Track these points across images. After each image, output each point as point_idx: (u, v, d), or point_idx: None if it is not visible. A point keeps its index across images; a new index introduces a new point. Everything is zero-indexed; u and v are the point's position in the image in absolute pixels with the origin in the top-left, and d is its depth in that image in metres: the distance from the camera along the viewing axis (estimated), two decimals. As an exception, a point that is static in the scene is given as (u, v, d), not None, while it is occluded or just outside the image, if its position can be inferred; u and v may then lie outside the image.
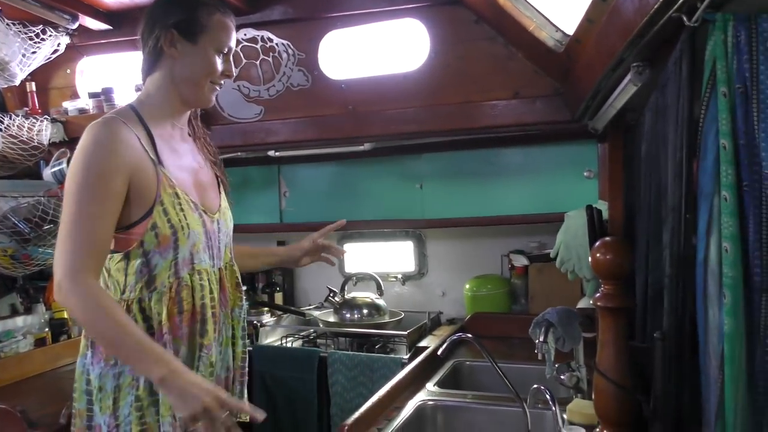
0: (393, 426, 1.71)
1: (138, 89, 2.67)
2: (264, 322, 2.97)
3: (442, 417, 1.89)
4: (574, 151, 2.58)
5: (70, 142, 2.77)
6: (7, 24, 2.47)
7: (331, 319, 2.90)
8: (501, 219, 2.73)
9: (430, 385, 2.02)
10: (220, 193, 1.75)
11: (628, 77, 1.38)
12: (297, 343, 2.88)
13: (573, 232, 2.30)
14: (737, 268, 0.90)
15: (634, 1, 1.13)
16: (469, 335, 1.77)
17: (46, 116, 2.75)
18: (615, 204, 2.05)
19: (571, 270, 2.32)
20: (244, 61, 2.59)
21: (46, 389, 2.36)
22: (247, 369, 1.76)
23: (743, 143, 0.91)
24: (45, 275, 2.91)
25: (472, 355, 2.37)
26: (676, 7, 0.98)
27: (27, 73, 2.65)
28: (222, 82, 1.67)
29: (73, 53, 2.80)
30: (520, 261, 2.87)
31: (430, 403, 1.90)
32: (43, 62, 2.67)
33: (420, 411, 1.86)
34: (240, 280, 1.76)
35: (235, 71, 1.71)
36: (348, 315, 2.87)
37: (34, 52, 2.57)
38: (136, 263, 1.52)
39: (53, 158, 2.78)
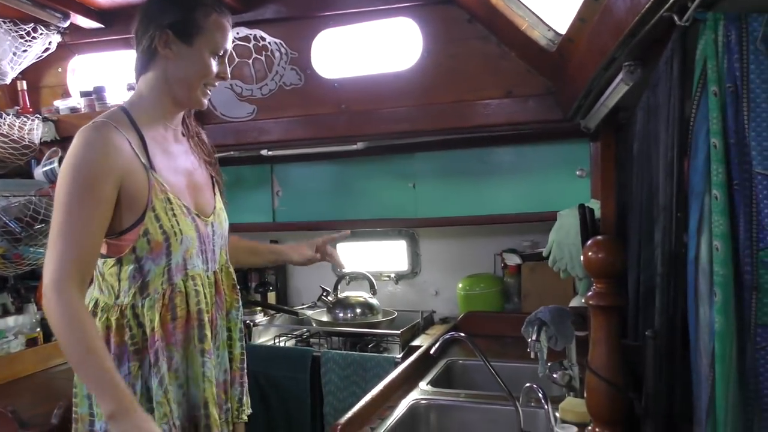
0: (386, 425, 1.71)
1: (130, 88, 2.66)
2: (257, 321, 2.96)
3: (435, 416, 1.89)
4: (566, 150, 2.59)
5: (62, 141, 2.76)
6: (-2, 22, 2.46)
7: (324, 318, 2.90)
8: (494, 218, 2.73)
9: (423, 384, 2.02)
10: (215, 194, 1.73)
11: (620, 76, 1.38)
12: (290, 343, 2.88)
13: (565, 230, 2.30)
14: (728, 267, 0.90)
15: (626, 0, 1.13)
16: (462, 334, 1.78)
17: (38, 115, 2.73)
18: (607, 203, 2.06)
19: (563, 269, 2.33)
20: (237, 59, 2.58)
21: (37, 389, 2.35)
22: (245, 371, 1.75)
23: (733, 142, 0.91)
24: (36, 275, 2.90)
25: (465, 354, 2.37)
26: (667, 6, 0.98)
27: (18, 71, 2.64)
28: (216, 84, 1.65)
29: (64, 52, 2.79)
30: (513, 260, 2.88)
31: (423, 402, 1.90)
32: (34, 61, 2.66)
33: (413, 410, 1.86)
34: (236, 282, 1.75)
35: (229, 75, 1.69)
36: (341, 314, 2.87)
37: (25, 51, 2.55)
38: (128, 269, 1.51)
39: (44, 157, 2.77)
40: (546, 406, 1.52)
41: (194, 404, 1.57)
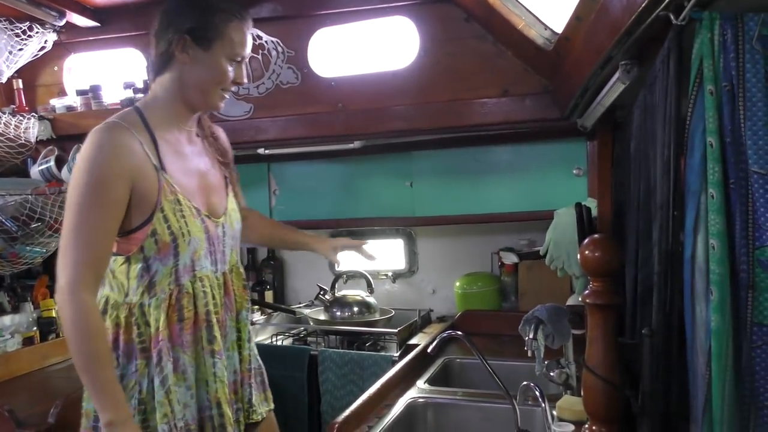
0: (383, 423, 1.71)
1: (127, 86, 2.66)
2: (254, 320, 2.96)
3: (433, 414, 1.90)
4: (563, 148, 2.59)
5: (58, 140, 2.76)
6: (-6, 21, 2.45)
7: (322, 317, 2.90)
8: (491, 217, 2.73)
9: (421, 383, 2.03)
10: (227, 194, 1.73)
11: (617, 75, 1.38)
12: (287, 341, 2.88)
13: (562, 229, 2.31)
14: (724, 265, 0.91)
15: (622, -1, 1.14)
16: (459, 333, 1.78)
17: (34, 114, 2.73)
18: (604, 201, 2.06)
19: (560, 267, 2.33)
20: (234, 58, 2.57)
21: (34, 388, 2.35)
22: (255, 370, 1.76)
23: (729, 141, 0.92)
24: (33, 274, 2.89)
25: (462, 352, 2.37)
26: (663, 5, 0.98)
27: (14, 70, 2.63)
28: (233, 89, 1.65)
29: (60, 50, 2.78)
30: (510, 258, 2.88)
31: (421, 400, 1.90)
32: (30, 59, 2.65)
33: (410, 408, 1.87)
34: (246, 283, 1.76)
35: (246, 80, 1.68)
36: (338, 313, 2.87)
37: (20, 49, 2.55)
38: (137, 268, 1.53)
39: (41, 156, 2.77)
40: (543, 405, 1.52)
41: (203, 406, 1.58)
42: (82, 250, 1.43)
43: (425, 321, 2.95)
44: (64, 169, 2.70)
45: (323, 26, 2.51)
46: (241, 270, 1.75)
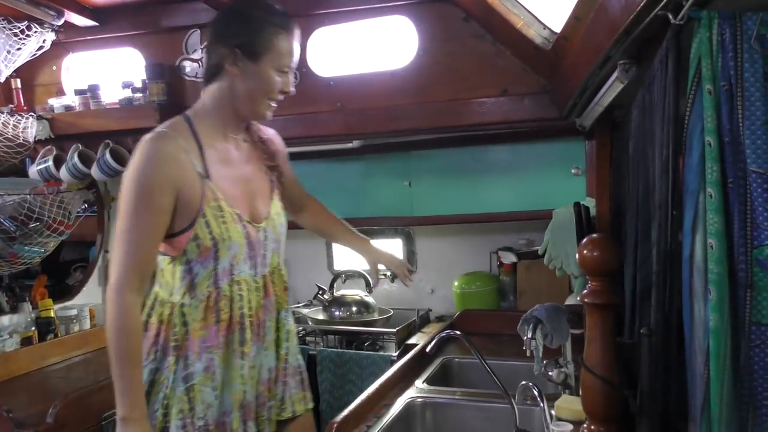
0: (382, 423, 1.71)
1: (126, 86, 2.66)
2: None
3: (431, 414, 1.90)
4: (561, 148, 2.59)
5: (56, 140, 2.75)
6: (-8, 20, 2.45)
7: (320, 316, 2.90)
8: (489, 216, 2.73)
9: (419, 383, 2.03)
10: (271, 199, 1.77)
11: (615, 75, 1.38)
12: (286, 341, 2.87)
13: (561, 229, 2.31)
14: (722, 265, 0.90)
15: (621, -2, 1.14)
16: (458, 332, 1.78)
17: (32, 113, 2.72)
18: (602, 201, 2.06)
19: (559, 267, 2.33)
20: (232, 58, 2.57)
21: (32, 388, 2.35)
22: (293, 369, 1.79)
23: (728, 140, 0.91)
24: (31, 274, 2.90)
25: (460, 352, 2.37)
26: (662, 5, 0.98)
27: (12, 69, 2.63)
28: (280, 98, 1.69)
29: (58, 50, 2.78)
30: (509, 258, 2.88)
31: (419, 400, 1.90)
32: (28, 59, 2.65)
33: (409, 408, 1.87)
34: (287, 284, 1.81)
35: (293, 89, 1.71)
36: (337, 312, 2.87)
37: (19, 49, 2.55)
38: (180, 269, 1.62)
39: (39, 156, 2.76)
40: (542, 404, 1.52)
41: (225, 410, 1.62)
42: (128, 253, 1.53)
43: (424, 321, 2.95)
44: (63, 169, 2.70)
45: (322, 26, 2.51)
46: (283, 272, 1.80)
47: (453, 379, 2.30)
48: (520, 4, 1.98)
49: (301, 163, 3.08)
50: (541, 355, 1.76)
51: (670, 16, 0.97)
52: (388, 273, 3.20)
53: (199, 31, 2.60)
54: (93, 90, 2.70)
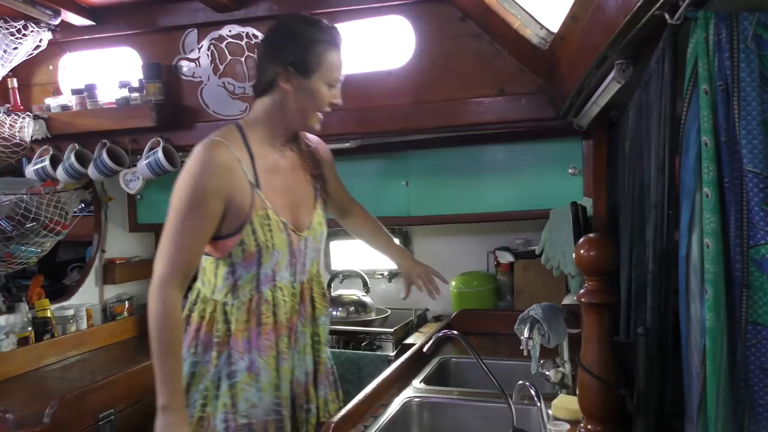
0: (379, 423, 1.71)
1: (122, 85, 2.66)
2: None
3: (428, 413, 1.90)
4: (558, 148, 2.59)
5: (53, 139, 2.75)
6: (-12, 20, 2.44)
7: (318, 316, 2.90)
8: (486, 216, 2.73)
9: (417, 382, 2.03)
10: (315, 208, 1.84)
11: (612, 75, 1.38)
12: (283, 341, 2.87)
13: (558, 228, 2.31)
14: (718, 264, 0.91)
15: (618, -2, 1.14)
16: (455, 332, 1.78)
17: (29, 113, 2.72)
18: (599, 200, 2.07)
19: (556, 266, 2.34)
20: (229, 57, 2.57)
21: (29, 389, 2.35)
22: (328, 371, 1.87)
23: (724, 140, 0.92)
24: (28, 274, 2.89)
25: (458, 351, 2.38)
26: (658, 5, 0.99)
27: (9, 69, 2.62)
28: (328, 109, 1.76)
29: (55, 49, 2.77)
30: (506, 258, 2.88)
31: (416, 399, 1.90)
32: (25, 58, 2.64)
33: (406, 408, 1.87)
34: (326, 291, 1.90)
35: (341, 101, 1.78)
36: (334, 312, 2.87)
37: (15, 48, 2.54)
38: (223, 270, 1.70)
39: (35, 155, 2.76)
40: (538, 404, 1.52)
41: (270, 409, 1.70)
42: (175, 251, 1.61)
43: (421, 320, 2.95)
44: (59, 169, 2.69)
45: (319, 25, 2.50)
46: (322, 279, 1.90)
47: (450, 378, 2.30)
48: (517, 4, 1.98)
49: (298, 162, 3.10)
50: (538, 354, 1.76)
51: (667, 17, 0.98)
52: (385, 272, 3.21)
53: (196, 30, 2.59)
54: (90, 89, 2.69)
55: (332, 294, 2.96)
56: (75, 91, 2.71)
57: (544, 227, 2.42)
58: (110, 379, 2.23)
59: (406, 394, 1.92)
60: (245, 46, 2.55)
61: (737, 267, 0.92)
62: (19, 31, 2.52)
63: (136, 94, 2.62)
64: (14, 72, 2.73)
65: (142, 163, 2.62)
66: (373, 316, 2.87)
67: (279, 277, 1.72)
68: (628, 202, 1.55)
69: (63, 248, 3.35)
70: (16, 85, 2.77)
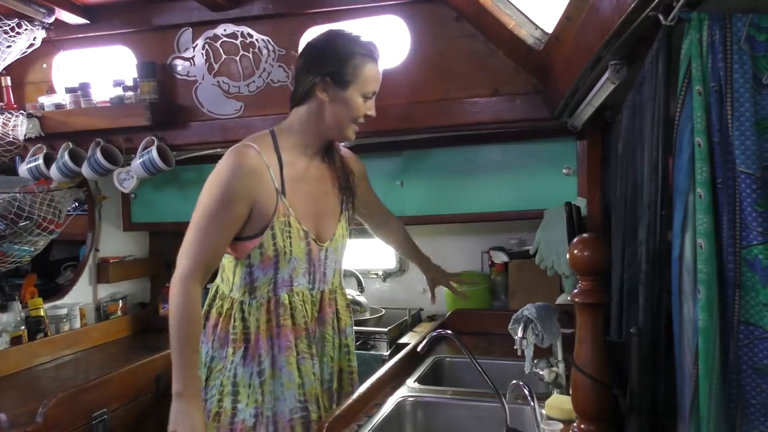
0: (373, 422, 1.71)
1: (117, 84, 2.65)
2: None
3: (422, 413, 1.90)
4: (553, 148, 2.60)
5: (47, 138, 2.74)
6: (-19, 17, 2.43)
7: (312, 316, 2.89)
8: (481, 216, 2.74)
9: (411, 382, 2.03)
10: (339, 220, 1.90)
11: (606, 75, 1.39)
12: (277, 341, 2.87)
13: (552, 228, 2.32)
14: (711, 265, 0.91)
15: (612, -1, 1.14)
16: (449, 331, 1.78)
17: (22, 111, 2.70)
18: (593, 201, 2.07)
19: (550, 266, 2.34)
20: (224, 56, 2.57)
21: (22, 388, 2.34)
22: (350, 377, 1.97)
23: (717, 141, 0.92)
24: (21, 272, 2.88)
25: (452, 351, 2.38)
26: (652, 6, 0.99)
27: (2, 67, 2.61)
28: (362, 121, 1.82)
29: (49, 47, 2.76)
30: (500, 258, 2.89)
31: (410, 399, 1.90)
32: (18, 56, 2.63)
33: (400, 407, 1.87)
34: (348, 302, 2.00)
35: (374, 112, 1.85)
36: (328, 312, 2.86)
37: (9, 46, 2.53)
38: (242, 270, 1.77)
39: (29, 154, 2.75)
40: (532, 403, 1.53)
41: (296, 407, 1.77)
42: (199, 248, 1.68)
43: (415, 320, 2.96)
44: (53, 167, 2.68)
45: (314, 25, 2.50)
46: (344, 291, 1.99)
47: (444, 378, 2.30)
48: (512, 4, 1.98)
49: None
50: (532, 354, 1.76)
51: (661, 17, 0.98)
52: (380, 272, 3.21)
53: (190, 29, 2.59)
54: (84, 88, 2.69)
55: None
56: (69, 90, 2.70)
57: (539, 227, 2.43)
58: (103, 379, 2.22)
59: (400, 393, 1.92)
60: (240, 45, 2.55)
61: (730, 267, 0.92)
62: (12, 29, 2.51)
63: (130, 93, 2.61)
64: (8, 70, 2.72)
65: (137, 162, 2.61)
66: (367, 315, 2.87)
67: (296, 283, 1.79)
68: (620, 203, 1.55)
69: (56, 247, 3.34)
70: (9, 83, 2.76)
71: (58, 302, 2.88)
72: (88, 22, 2.63)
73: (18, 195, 2.59)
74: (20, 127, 2.65)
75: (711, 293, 0.91)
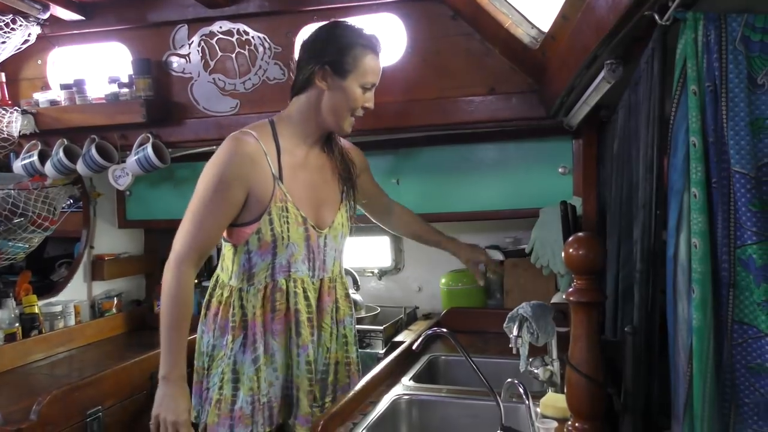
0: (368, 421, 1.71)
1: (112, 81, 2.64)
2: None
3: (417, 411, 1.90)
4: (549, 147, 2.59)
5: (41, 134, 2.72)
6: (-24, 13, 2.42)
7: (307, 313, 2.89)
8: (476, 214, 2.73)
9: (406, 380, 2.03)
10: (339, 209, 1.92)
11: (602, 74, 1.39)
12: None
13: (548, 227, 2.32)
14: (706, 264, 0.91)
15: (608, -1, 1.14)
16: (444, 330, 1.78)
17: (17, 108, 2.69)
18: (589, 200, 2.08)
19: (545, 265, 2.35)
20: (220, 54, 2.56)
21: (16, 385, 2.33)
22: (352, 372, 2.00)
23: (712, 141, 0.92)
24: (15, 269, 2.87)
25: (447, 349, 2.38)
26: (648, 5, 0.99)
27: (-4, 63, 2.60)
28: (360, 113, 1.84)
29: (44, 43, 2.75)
30: (496, 256, 2.89)
31: (406, 397, 1.90)
32: (13, 52, 2.62)
33: (395, 405, 1.87)
34: (348, 292, 2.00)
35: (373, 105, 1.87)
36: (324, 310, 2.86)
37: (3, 42, 2.51)
38: (240, 257, 1.80)
39: (23, 150, 2.74)
40: (527, 402, 1.53)
41: (287, 386, 1.84)
42: (194, 232, 1.71)
43: (411, 318, 2.95)
44: (48, 164, 2.67)
45: (310, 22, 2.50)
46: (344, 280, 2.00)
47: (439, 376, 2.31)
48: (508, 3, 1.99)
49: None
50: (527, 352, 1.77)
51: (657, 17, 0.98)
52: (375, 270, 3.21)
53: (186, 26, 2.58)
54: (79, 85, 2.68)
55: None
56: (64, 86, 2.69)
57: (534, 226, 2.43)
58: (98, 376, 2.22)
59: (396, 391, 1.93)
60: (236, 43, 2.55)
61: (724, 267, 0.92)
62: (7, 25, 2.50)
63: (125, 90, 2.60)
64: (2, 66, 2.70)
65: (132, 159, 2.61)
66: (362, 313, 2.87)
67: (294, 269, 1.80)
68: (615, 202, 1.56)
69: (51, 244, 3.33)
70: (4, 79, 2.75)
71: (53, 299, 2.87)
72: (83, 18, 2.62)
73: (12, 192, 2.58)
74: (15, 123, 2.63)
75: (705, 292, 0.91)
